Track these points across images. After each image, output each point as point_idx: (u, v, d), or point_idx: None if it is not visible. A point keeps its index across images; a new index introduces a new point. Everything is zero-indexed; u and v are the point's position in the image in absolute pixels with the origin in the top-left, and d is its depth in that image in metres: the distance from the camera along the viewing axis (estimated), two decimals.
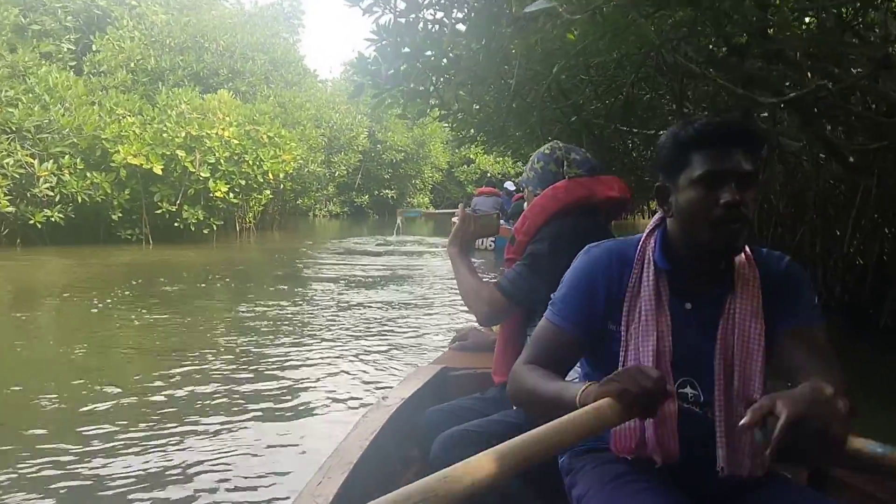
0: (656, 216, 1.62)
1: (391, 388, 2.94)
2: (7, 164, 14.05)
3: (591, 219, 2.22)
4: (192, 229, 16.99)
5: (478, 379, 2.70)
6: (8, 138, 14.46)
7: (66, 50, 18.09)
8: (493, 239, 13.24)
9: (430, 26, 5.22)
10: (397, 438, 2.22)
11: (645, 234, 1.60)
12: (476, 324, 2.87)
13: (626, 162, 9.40)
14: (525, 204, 2.36)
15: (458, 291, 2.36)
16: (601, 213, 2.29)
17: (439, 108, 6.14)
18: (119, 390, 5.21)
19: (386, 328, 7.62)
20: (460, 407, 2.30)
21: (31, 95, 15.28)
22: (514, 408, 2.07)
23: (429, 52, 5.44)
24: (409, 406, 2.38)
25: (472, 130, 7.68)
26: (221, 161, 16.84)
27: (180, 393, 5.12)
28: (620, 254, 1.59)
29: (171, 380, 5.46)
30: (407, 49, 5.34)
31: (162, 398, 5.03)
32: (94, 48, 19.01)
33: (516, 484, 1.83)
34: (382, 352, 6.50)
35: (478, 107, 6.82)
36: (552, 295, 1.65)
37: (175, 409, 4.79)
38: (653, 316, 1.52)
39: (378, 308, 8.86)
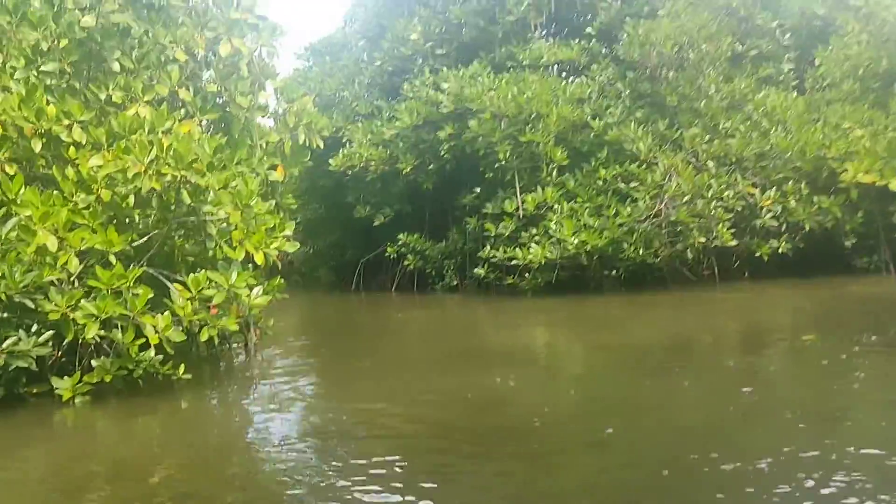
0: None
1: None
2: (727, 196, 13.80)
3: None
4: None
5: None
6: (727, 170, 14.28)
7: (785, 70, 17.15)
8: None
9: None
10: None
11: None
12: None
13: None
14: None
15: None
16: None
17: None
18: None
19: None
20: None
21: (748, 123, 14.91)
22: None
23: None
24: None
25: None
26: None
27: None
28: None
29: None
30: None
31: None
32: (815, 62, 17.58)
33: None
34: None
35: None
36: None
37: None
38: None
39: None
